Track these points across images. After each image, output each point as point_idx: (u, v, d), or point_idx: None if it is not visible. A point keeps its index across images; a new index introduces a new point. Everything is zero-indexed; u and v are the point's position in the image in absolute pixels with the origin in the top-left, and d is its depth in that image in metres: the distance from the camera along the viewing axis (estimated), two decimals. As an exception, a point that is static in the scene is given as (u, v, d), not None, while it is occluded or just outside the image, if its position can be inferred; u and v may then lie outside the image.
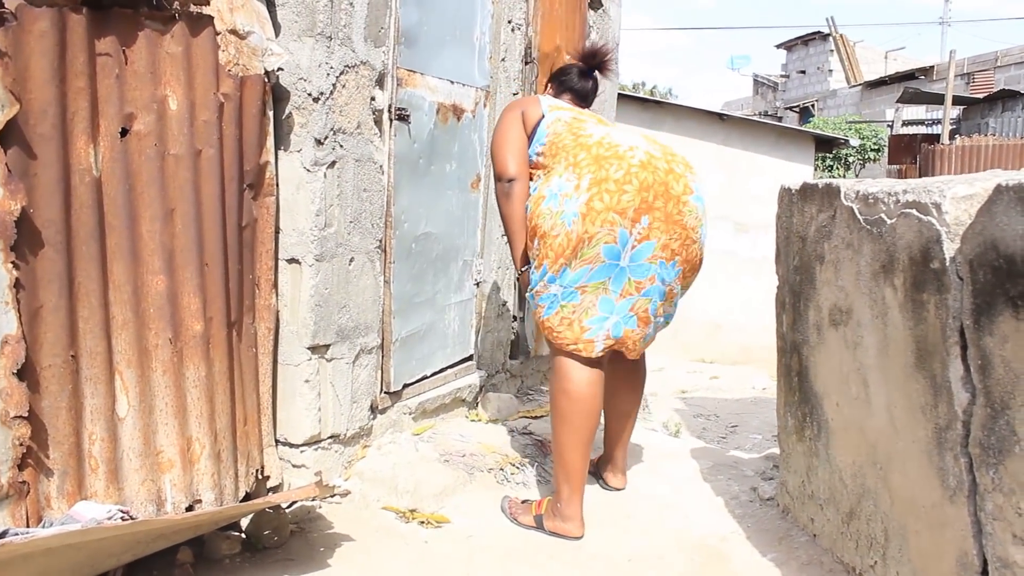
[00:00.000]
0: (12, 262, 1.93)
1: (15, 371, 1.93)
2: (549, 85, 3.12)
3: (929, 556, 1.94)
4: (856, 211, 2.20)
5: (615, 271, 2.64)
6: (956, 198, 1.78)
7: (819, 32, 24.20)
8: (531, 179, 2.80)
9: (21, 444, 1.94)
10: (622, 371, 2.98)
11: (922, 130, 15.66)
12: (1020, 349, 1.59)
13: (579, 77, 3.05)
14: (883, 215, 2.05)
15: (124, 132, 2.19)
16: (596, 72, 3.08)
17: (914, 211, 1.90)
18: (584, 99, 3.05)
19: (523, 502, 2.91)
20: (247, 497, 2.60)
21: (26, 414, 1.94)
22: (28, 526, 1.98)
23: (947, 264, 1.78)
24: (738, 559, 2.67)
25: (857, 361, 2.23)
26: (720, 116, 9.47)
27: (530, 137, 2.78)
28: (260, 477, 2.66)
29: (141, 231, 2.23)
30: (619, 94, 9.41)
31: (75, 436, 2.08)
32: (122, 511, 2.09)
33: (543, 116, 2.80)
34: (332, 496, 2.63)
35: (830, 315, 2.40)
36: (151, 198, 2.24)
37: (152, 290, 2.26)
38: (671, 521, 2.93)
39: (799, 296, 2.65)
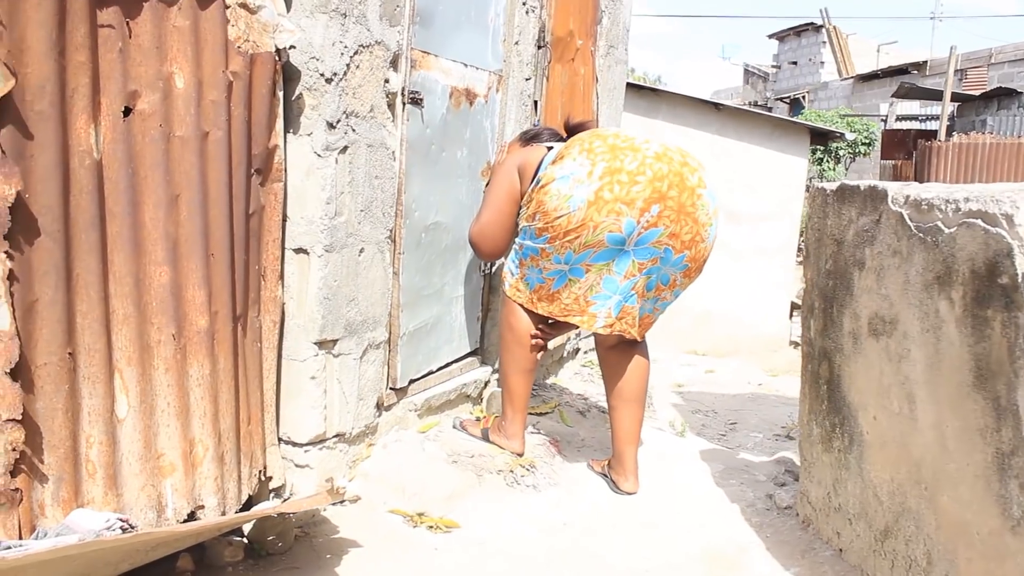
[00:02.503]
0: (6, 252, 1.76)
1: (8, 370, 1.76)
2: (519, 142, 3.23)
3: (983, 586, 1.83)
4: (906, 217, 2.08)
5: (619, 254, 2.75)
6: (1031, 209, 1.67)
7: (812, 23, 24.07)
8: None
9: (14, 449, 1.79)
10: (625, 356, 3.05)
11: (915, 125, 15.60)
12: (1105, 375, 1.48)
13: (550, 137, 3.15)
14: (940, 223, 1.93)
15: (127, 111, 2.02)
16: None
17: (979, 221, 1.79)
18: None
19: (476, 420, 3.24)
20: (249, 500, 2.46)
21: (19, 416, 1.78)
22: (21, 536, 1.83)
23: (1019, 280, 1.67)
24: (759, 573, 2.56)
25: (902, 375, 2.12)
26: (716, 106, 9.35)
27: (533, 177, 2.88)
28: (262, 478, 2.53)
29: (144, 219, 2.08)
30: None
31: (72, 439, 1.93)
32: (121, 519, 1.94)
33: (550, 148, 2.94)
34: (341, 501, 2.50)
35: (870, 324, 2.28)
36: (155, 183, 2.09)
37: (155, 282, 2.10)
38: (687, 529, 2.82)
39: (831, 302, 2.54)
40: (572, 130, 3.09)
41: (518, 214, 2.95)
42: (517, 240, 2.96)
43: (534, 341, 3.03)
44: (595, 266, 2.78)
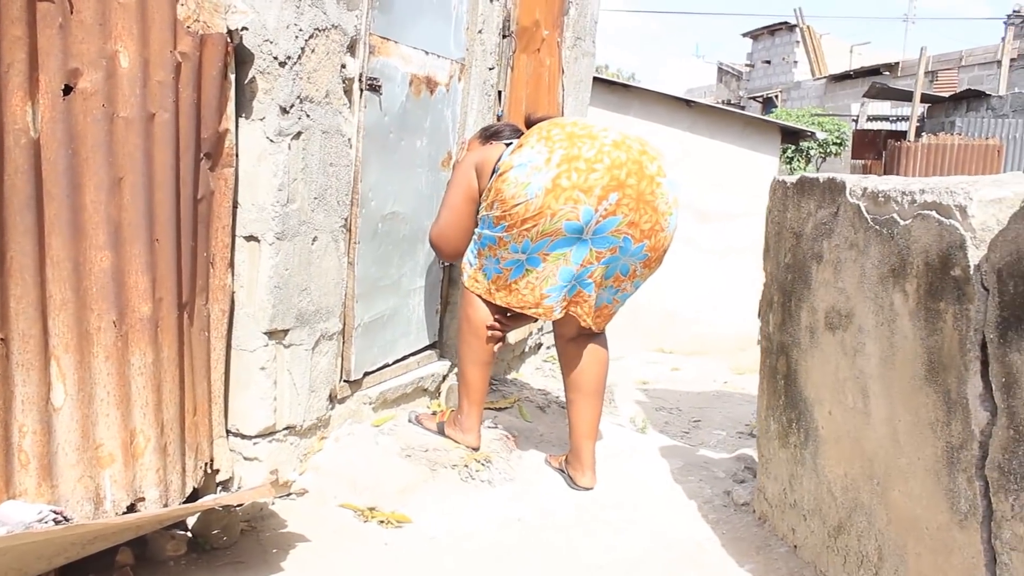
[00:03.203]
0: (-67, 231, 1.71)
1: (-66, 355, 1.71)
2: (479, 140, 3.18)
3: (932, 582, 1.82)
4: (863, 209, 2.06)
5: (576, 243, 2.72)
6: (984, 201, 1.65)
7: (786, 23, 24.21)
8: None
9: (-61, 437, 1.73)
10: (584, 349, 3.03)
11: (886, 126, 15.72)
12: (1053, 369, 1.46)
13: (511, 134, 3.10)
14: (895, 215, 1.91)
15: (68, 90, 1.96)
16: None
17: (933, 213, 1.77)
18: None
19: (432, 413, 3.21)
20: (195, 493, 2.40)
21: (-54, 403, 1.73)
22: (-54, 528, 1.77)
23: (971, 272, 1.65)
24: (714, 569, 2.54)
25: (856, 369, 2.10)
26: (687, 103, 9.34)
27: (492, 173, 2.85)
28: (209, 471, 2.47)
29: (84, 201, 2.01)
30: (587, 75, 9.24)
31: (3, 428, 1.86)
32: (55, 512, 1.89)
33: (507, 145, 2.91)
34: (288, 494, 2.45)
35: (827, 318, 2.27)
36: (97, 165, 2.02)
37: (95, 267, 2.04)
38: (644, 525, 2.79)
39: (789, 295, 2.52)
40: (532, 125, 3.04)
41: (478, 210, 2.91)
42: (476, 230, 2.92)
43: (491, 333, 2.99)
44: (552, 255, 2.74)
